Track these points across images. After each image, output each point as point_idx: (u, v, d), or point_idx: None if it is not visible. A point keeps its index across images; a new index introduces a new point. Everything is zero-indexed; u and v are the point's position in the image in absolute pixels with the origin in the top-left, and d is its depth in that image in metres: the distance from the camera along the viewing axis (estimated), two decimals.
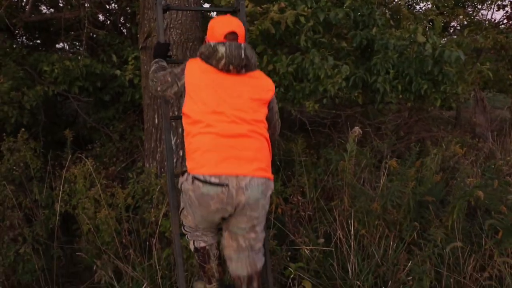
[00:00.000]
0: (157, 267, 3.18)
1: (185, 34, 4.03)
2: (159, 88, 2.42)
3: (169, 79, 2.36)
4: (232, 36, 2.38)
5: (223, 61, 2.24)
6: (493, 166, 4.41)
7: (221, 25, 2.40)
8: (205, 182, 2.10)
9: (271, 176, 2.28)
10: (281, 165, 4.60)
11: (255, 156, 2.20)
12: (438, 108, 7.20)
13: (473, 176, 4.57)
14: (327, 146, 5.10)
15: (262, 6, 4.16)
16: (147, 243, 3.45)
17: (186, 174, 2.22)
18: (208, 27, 2.46)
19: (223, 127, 2.17)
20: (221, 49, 2.23)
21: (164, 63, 2.62)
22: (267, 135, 2.33)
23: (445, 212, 3.68)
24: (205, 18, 4.95)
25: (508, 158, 3.94)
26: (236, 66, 2.26)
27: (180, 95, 2.36)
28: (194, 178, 2.13)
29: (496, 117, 9.30)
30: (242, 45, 2.30)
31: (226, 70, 2.27)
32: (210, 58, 2.26)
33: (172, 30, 3.98)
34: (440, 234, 3.30)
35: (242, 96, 2.26)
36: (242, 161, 2.15)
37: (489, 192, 3.56)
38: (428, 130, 7.03)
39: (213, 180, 2.10)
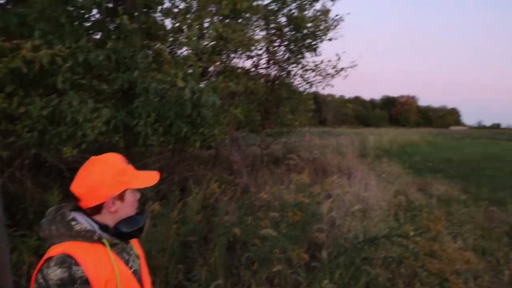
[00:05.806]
0: None
1: None
2: None
3: None
4: None
5: None
6: (247, 202, 4.87)
7: None
8: None
9: None
10: (35, 218, 4.10)
11: None
12: (198, 148, 7.66)
13: (231, 212, 4.97)
14: None
15: (13, 41, 3.71)
16: None
17: None
18: None
19: None
20: None
21: None
22: None
23: (208, 250, 3.87)
24: None
25: (260, 193, 4.41)
26: None
27: None
28: None
29: (250, 153, 10.46)
30: None
31: None
32: None
33: None
34: (204, 273, 3.44)
35: None
36: None
37: (244, 227, 3.91)
38: (190, 169, 7.37)
39: None
